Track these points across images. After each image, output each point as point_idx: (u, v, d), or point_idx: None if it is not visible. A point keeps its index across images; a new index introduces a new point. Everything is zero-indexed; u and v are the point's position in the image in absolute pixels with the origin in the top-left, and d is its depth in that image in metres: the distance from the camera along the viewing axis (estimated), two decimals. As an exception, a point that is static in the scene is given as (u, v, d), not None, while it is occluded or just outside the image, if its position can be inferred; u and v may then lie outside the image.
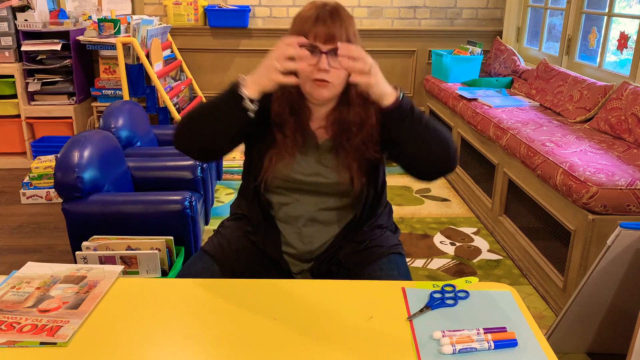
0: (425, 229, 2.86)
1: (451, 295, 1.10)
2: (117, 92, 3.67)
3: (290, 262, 1.37)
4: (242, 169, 1.42)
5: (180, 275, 1.30)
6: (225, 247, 1.36)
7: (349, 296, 1.10)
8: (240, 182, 1.44)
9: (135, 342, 0.96)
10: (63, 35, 3.62)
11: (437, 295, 1.09)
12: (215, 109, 1.20)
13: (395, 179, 3.53)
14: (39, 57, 3.63)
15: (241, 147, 1.37)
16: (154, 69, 3.37)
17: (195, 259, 1.35)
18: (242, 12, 3.99)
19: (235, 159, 3.73)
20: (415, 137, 1.19)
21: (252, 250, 1.37)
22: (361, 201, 1.32)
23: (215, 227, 1.48)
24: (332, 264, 1.35)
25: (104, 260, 1.82)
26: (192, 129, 1.23)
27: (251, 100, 1.15)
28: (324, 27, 1.19)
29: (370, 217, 1.39)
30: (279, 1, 4.10)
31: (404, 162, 1.26)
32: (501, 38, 4.10)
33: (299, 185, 1.32)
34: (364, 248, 1.34)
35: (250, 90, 1.15)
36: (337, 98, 1.28)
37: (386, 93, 1.14)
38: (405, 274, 1.32)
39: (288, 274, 1.37)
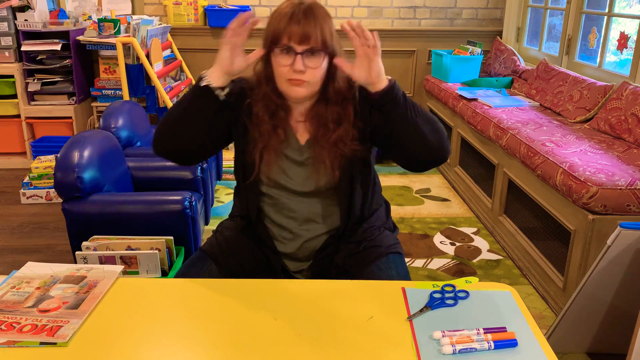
0: (425, 229, 2.86)
1: (451, 295, 1.10)
2: (117, 92, 3.67)
3: (288, 263, 1.37)
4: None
5: (180, 275, 1.30)
6: (224, 247, 1.36)
7: (349, 296, 1.10)
8: None
9: (135, 342, 0.96)
10: (63, 35, 3.62)
11: (437, 295, 1.09)
12: (186, 106, 1.24)
13: (396, 179, 3.53)
14: (39, 57, 3.63)
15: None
16: (154, 69, 3.37)
17: (195, 260, 1.35)
18: (242, 12, 3.99)
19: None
20: (407, 122, 1.19)
21: (251, 251, 1.37)
22: (345, 199, 1.31)
23: (216, 227, 1.48)
24: (331, 265, 1.35)
25: (104, 260, 1.82)
26: (168, 130, 1.26)
27: (221, 89, 1.22)
28: (297, 26, 1.20)
29: (365, 216, 1.38)
30: (279, 1, 4.08)
31: (397, 151, 1.25)
32: (501, 38, 4.10)
33: (289, 188, 1.32)
34: (363, 249, 1.34)
35: (214, 78, 1.21)
36: (315, 96, 1.28)
37: (381, 73, 1.17)
38: (403, 274, 1.31)
39: (287, 274, 1.37)
